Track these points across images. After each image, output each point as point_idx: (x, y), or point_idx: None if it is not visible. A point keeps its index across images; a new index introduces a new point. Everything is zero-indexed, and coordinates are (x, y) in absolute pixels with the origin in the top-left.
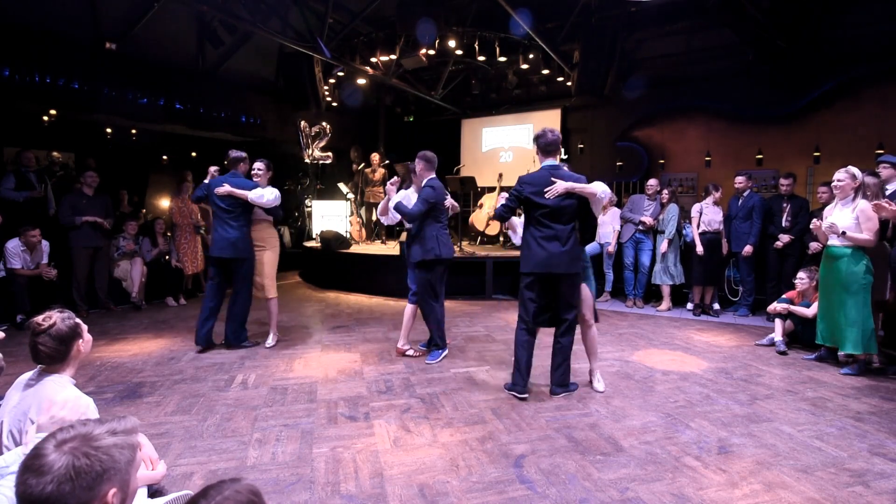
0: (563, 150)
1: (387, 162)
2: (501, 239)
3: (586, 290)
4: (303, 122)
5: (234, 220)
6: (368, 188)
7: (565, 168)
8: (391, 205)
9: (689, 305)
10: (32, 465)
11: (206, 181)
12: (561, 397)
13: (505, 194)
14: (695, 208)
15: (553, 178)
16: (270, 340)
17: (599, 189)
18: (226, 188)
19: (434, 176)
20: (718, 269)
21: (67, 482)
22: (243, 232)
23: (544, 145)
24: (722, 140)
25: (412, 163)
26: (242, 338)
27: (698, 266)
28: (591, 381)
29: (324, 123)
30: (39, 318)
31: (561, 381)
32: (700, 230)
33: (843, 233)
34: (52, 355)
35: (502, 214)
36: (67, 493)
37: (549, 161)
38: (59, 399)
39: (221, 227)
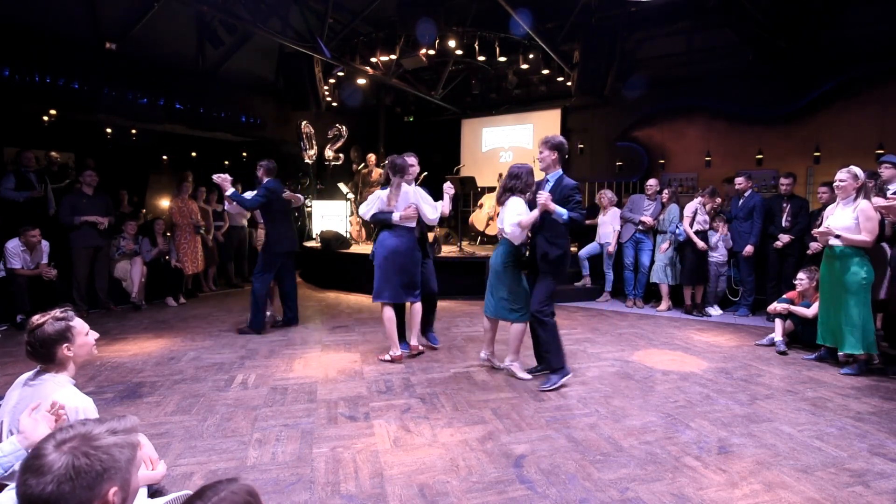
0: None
1: (386, 162)
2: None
3: None
4: (304, 123)
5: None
6: (366, 189)
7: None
8: (563, 215)
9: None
10: (32, 466)
11: (230, 189)
12: (560, 396)
13: (548, 194)
14: (688, 207)
15: None
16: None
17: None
18: (288, 193)
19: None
20: (705, 268)
21: (67, 482)
22: None
23: (566, 154)
24: (722, 140)
25: (397, 157)
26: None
27: (689, 265)
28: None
29: (338, 125)
30: (36, 317)
31: None
32: (694, 229)
33: (838, 235)
34: (35, 355)
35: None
36: (68, 492)
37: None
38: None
39: (291, 225)
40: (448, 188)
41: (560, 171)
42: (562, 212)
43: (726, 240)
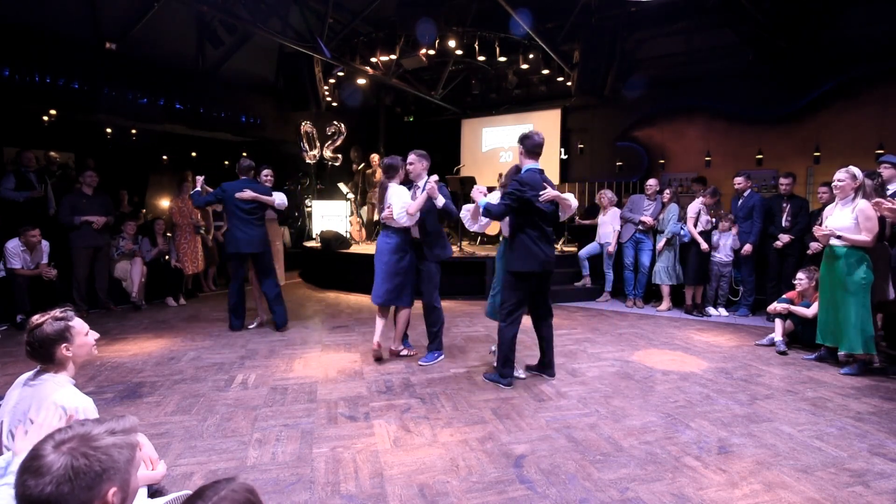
0: (562, 150)
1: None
2: (501, 239)
3: None
4: (306, 124)
5: (258, 220)
6: (371, 190)
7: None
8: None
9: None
10: (31, 467)
11: (197, 188)
12: (560, 396)
13: (482, 188)
14: (691, 208)
15: (545, 184)
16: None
17: (574, 202)
18: (250, 193)
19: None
20: (707, 268)
21: (66, 483)
22: (264, 229)
23: (532, 147)
24: (722, 140)
25: (392, 157)
26: (286, 319)
27: (693, 265)
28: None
29: (336, 122)
30: (35, 317)
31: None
32: (698, 230)
33: (840, 236)
34: (34, 355)
35: (502, 213)
36: (67, 493)
37: (535, 164)
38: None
39: (245, 226)
40: (427, 185)
41: (528, 165)
42: (441, 200)
43: (735, 240)
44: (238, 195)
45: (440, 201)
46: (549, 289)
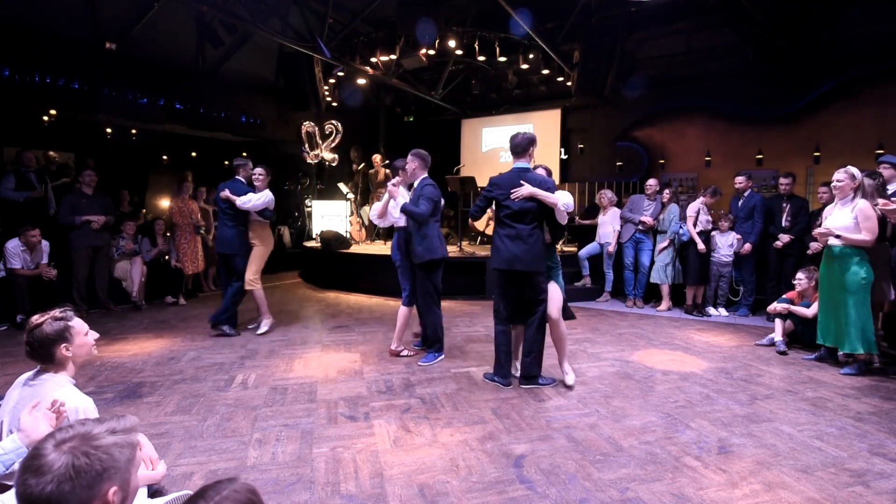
0: (562, 150)
1: (387, 162)
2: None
3: (555, 289)
4: (308, 124)
5: (230, 221)
6: (374, 191)
7: (536, 171)
8: (399, 205)
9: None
10: (32, 465)
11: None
12: (560, 396)
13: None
14: (691, 207)
15: (521, 181)
16: (263, 326)
17: (562, 201)
18: (224, 193)
19: (427, 175)
20: (706, 268)
21: (67, 481)
22: (237, 231)
23: (513, 147)
24: (722, 140)
25: (399, 159)
26: (222, 320)
27: (694, 265)
28: (562, 377)
29: (333, 122)
30: (35, 317)
31: (527, 373)
32: (698, 230)
33: (838, 235)
34: (34, 355)
35: (474, 214)
36: (67, 492)
37: (519, 163)
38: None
39: (220, 225)
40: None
41: (514, 165)
42: (401, 200)
43: (736, 241)
44: (219, 194)
45: (399, 202)
46: (534, 294)
